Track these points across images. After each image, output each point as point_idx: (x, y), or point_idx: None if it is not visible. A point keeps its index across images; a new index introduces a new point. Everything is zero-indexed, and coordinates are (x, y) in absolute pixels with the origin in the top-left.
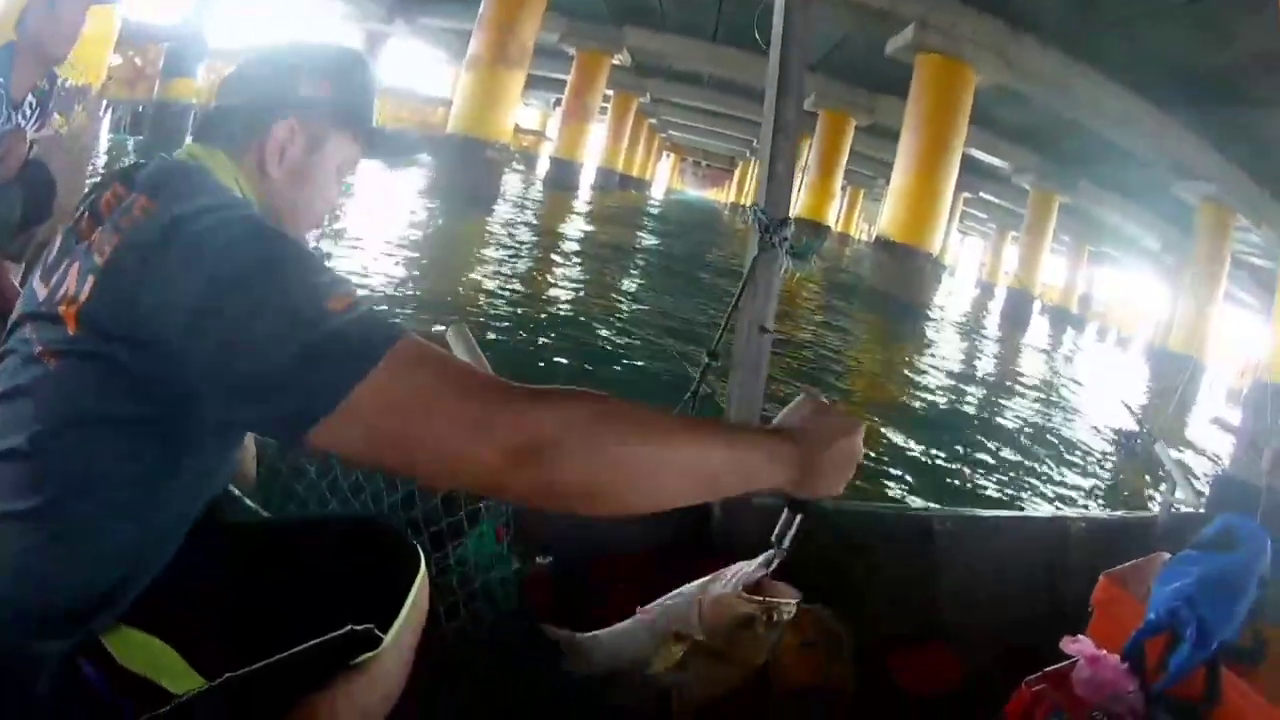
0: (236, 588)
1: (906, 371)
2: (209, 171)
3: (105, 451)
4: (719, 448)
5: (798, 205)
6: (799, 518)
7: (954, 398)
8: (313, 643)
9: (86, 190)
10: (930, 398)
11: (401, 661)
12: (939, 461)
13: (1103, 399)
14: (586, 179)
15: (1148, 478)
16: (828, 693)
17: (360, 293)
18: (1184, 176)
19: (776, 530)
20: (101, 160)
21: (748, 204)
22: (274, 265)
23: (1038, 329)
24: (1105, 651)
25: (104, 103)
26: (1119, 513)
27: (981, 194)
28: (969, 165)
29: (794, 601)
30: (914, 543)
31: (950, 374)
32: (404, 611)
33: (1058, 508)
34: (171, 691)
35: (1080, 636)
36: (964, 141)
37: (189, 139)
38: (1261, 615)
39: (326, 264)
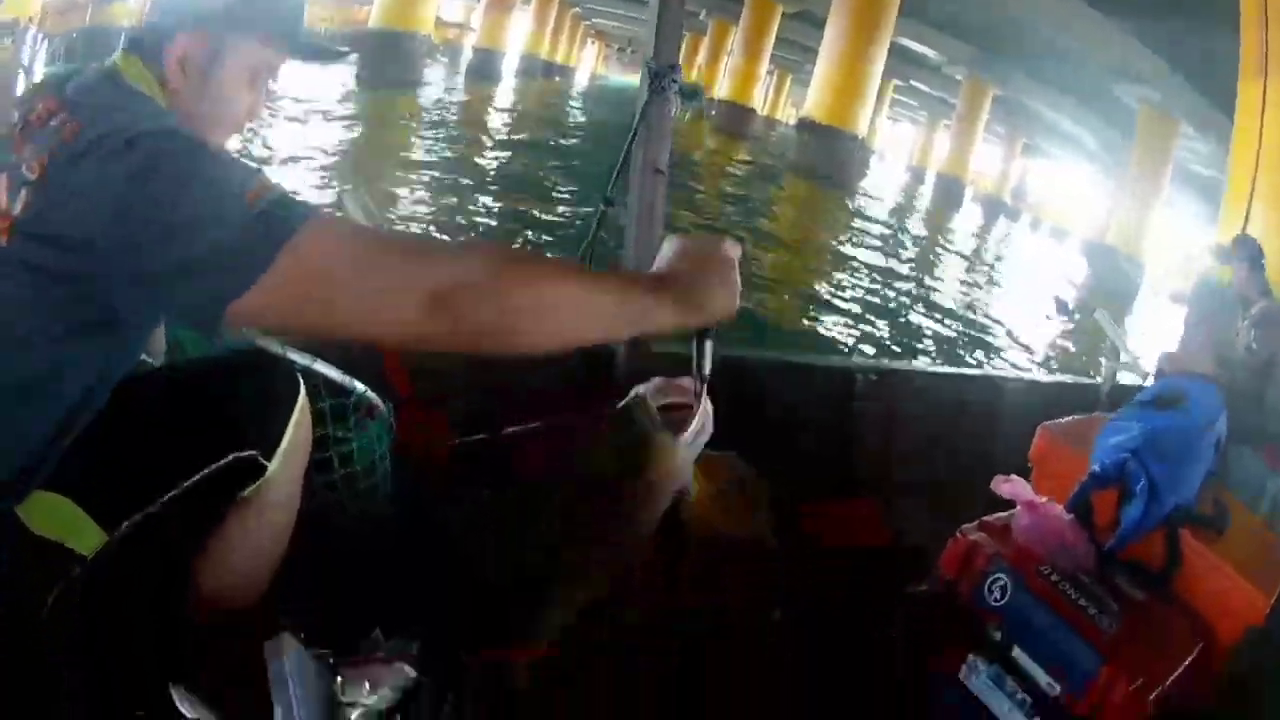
0: (130, 437)
1: (834, 244)
2: (131, 83)
3: (38, 348)
4: (611, 289)
5: (725, 89)
6: (708, 343)
7: (883, 274)
8: (198, 476)
9: (17, 105)
10: (858, 272)
11: (288, 492)
12: (870, 328)
13: (1038, 278)
14: (510, 67)
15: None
16: (746, 542)
17: (274, 180)
18: (1126, 79)
19: (694, 361)
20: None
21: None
22: (192, 164)
23: (969, 214)
24: (1046, 499)
25: (39, 36)
26: (1058, 377)
27: (913, 82)
28: (900, 54)
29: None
30: (838, 395)
31: (878, 247)
32: (287, 435)
33: (993, 369)
34: (78, 552)
35: (1014, 477)
36: (893, 30)
37: (117, 52)
38: (1222, 482)
39: (242, 161)
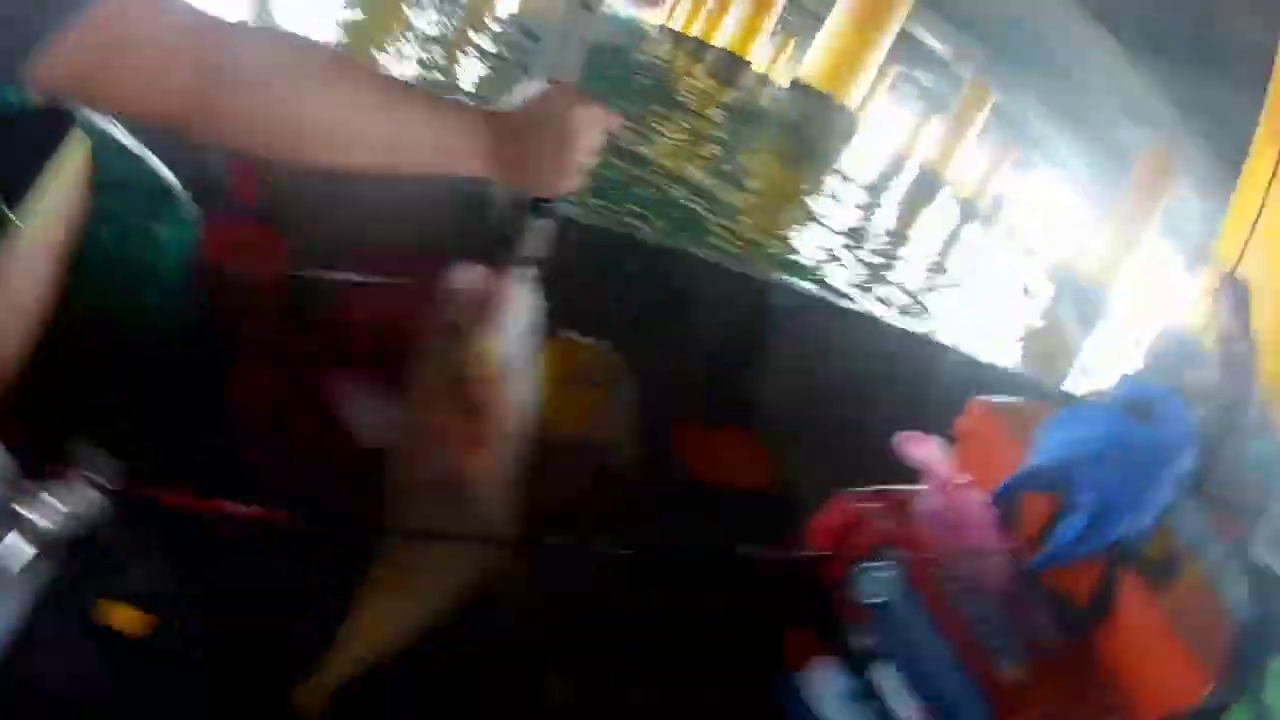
0: None
1: (802, 203)
2: None
3: None
4: (409, 109)
5: (724, 38)
6: (537, 221)
7: (848, 236)
8: None
9: None
10: (817, 234)
11: (32, 265)
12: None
13: (1000, 285)
14: None
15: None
16: (601, 449)
17: None
18: (1134, 121)
19: (508, 236)
20: None
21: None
22: None
23: (942, 211)
24: (966, 479)
25: None
26: (1010, 367)
27: (916, 73)
28: (909, 41)
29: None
30: (744, 307)
31: (841, 221)
32: (40, 192)
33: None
34: None
35: (929, 438)
36: (907, 15)
37: None
38: (1174, 527)
39: None
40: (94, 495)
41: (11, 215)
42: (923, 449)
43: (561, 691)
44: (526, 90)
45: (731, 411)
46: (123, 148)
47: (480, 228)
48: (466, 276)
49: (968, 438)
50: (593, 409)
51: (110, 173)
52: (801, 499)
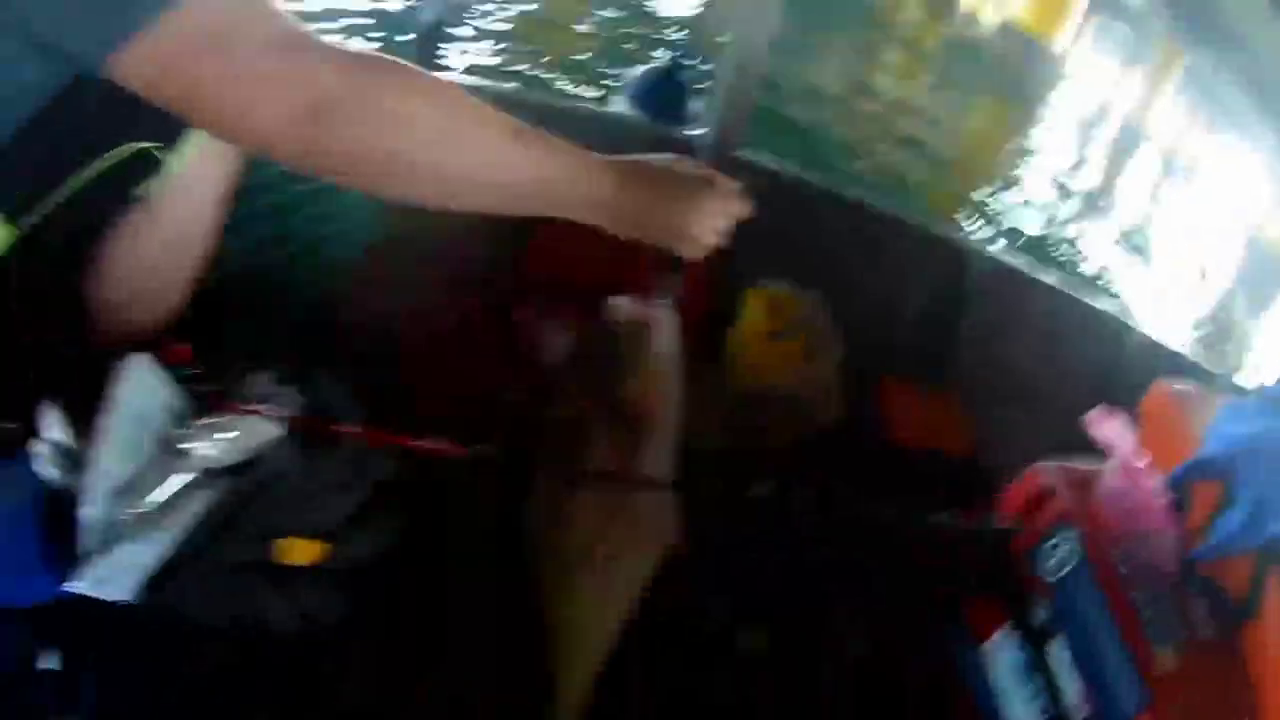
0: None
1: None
2: None
3: None
4: (526, 148)
5: None
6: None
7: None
8: (93, 168)
9: None
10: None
11: (196, 200)
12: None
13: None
14: None
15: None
16: (804, 402)
17: None
18: None
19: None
20: None
21: None
22: None
23: (1144, 167)
24: (1147, 461)
25: None
26: (1188, 350)
27: (1115, 24)
28: None
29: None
30: (947, 271)
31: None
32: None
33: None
34: None
35: (1117, 415)
36: None
37: None
38: None
39: None
40: (271, 428)
41: (166, 155)
42: (1110, 427)
43: (755, 641)
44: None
45: (931, 373)
46: None
47: None
48: (623, 304)
49: (1150, 419)
50: (797, 361)
51: None
52: (994, 467)
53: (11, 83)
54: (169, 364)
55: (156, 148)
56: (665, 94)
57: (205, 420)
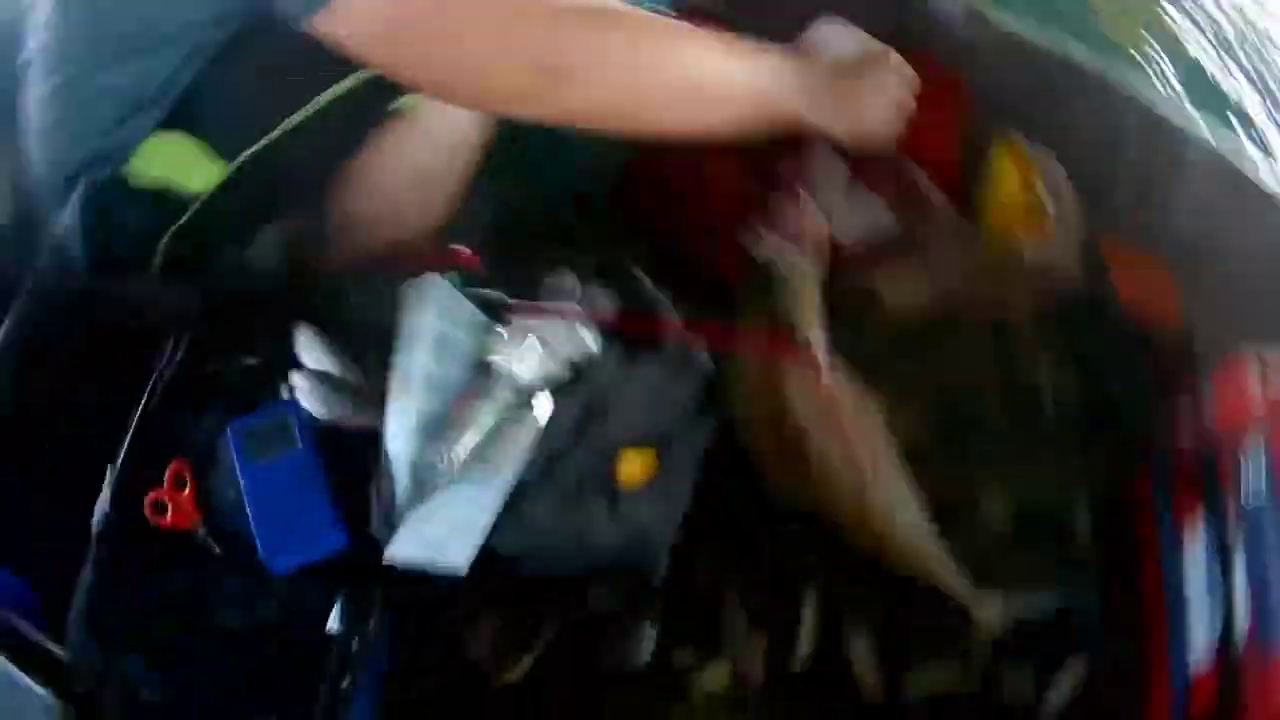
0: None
1: None
2: None
3: None
4: (763, 70)
5: None
6: None
7: None
8: (334, 91)
9: None
10: None
11: (452, 122)
12: None
13: None
14: None
15: None
16: (1047, 268)
17: None
18: None
19: None
20: None
21: None
22: None
23: None
24: None
25: None
26: None
27: None
28: None
29: None
30: (1155, 137)
31: None
32: None
33: None
34: (186, 192)
35: None
36: None
37: None
38: None
39: None
40: (586, 333)
41: None
42: None
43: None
44: (830, 36)
45: (1142, 238)
46: None
47: None
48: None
49: None
50: (1049, 225)
51: None
52: (1203, 348)
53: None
54: (458, 273)
55: None
56: None
57: (512, 331)
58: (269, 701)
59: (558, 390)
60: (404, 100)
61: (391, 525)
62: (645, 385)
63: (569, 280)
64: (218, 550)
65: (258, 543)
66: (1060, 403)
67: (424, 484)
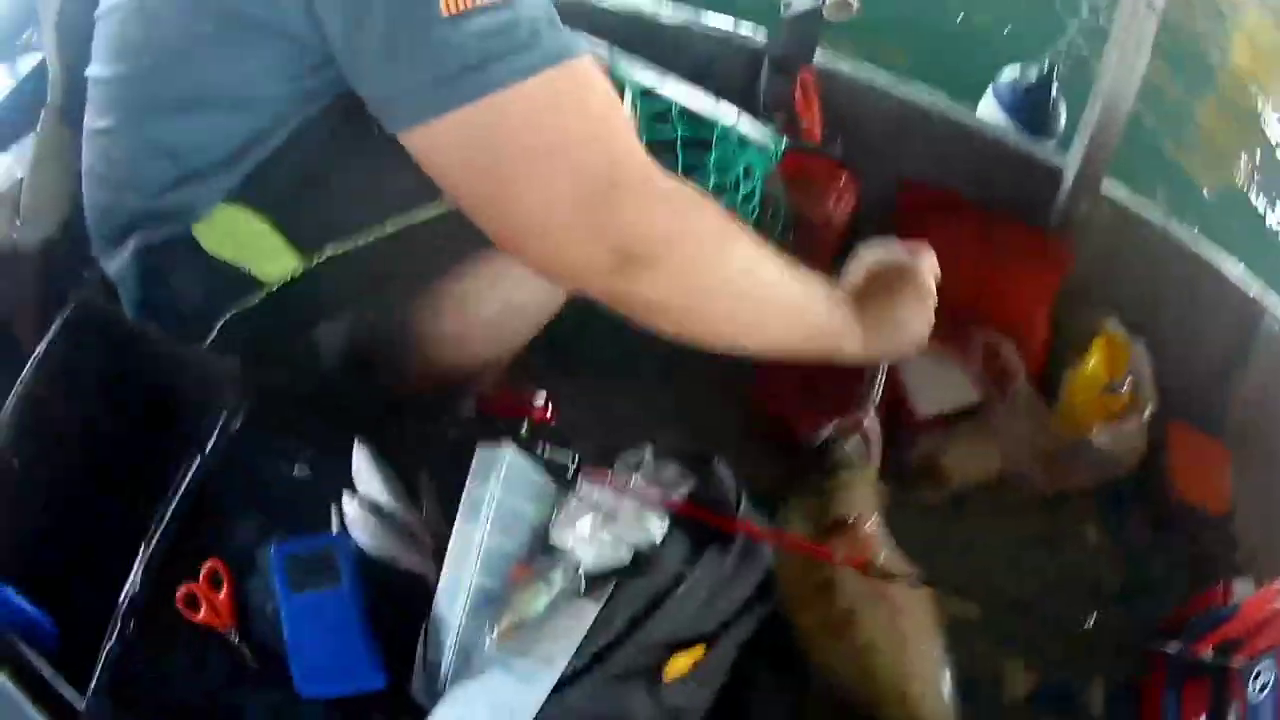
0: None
1: None
2: None
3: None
4: (821, 300)
5: None
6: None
7: None
8: (423, 216)
9: None
10: None
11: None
12: None
13: None
14: None
15: None
16: (1111, 452)
17: None
18: None
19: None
20: None
21: None
22: None
23: None
24: None
25: None
26: None
27: None
28: None
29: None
30: (1243, 319)
31: None
32: None
33: None
34: (260, 279)
35: None
36: None
37: None
38: None
39: None
40: (658, 520)
41: None
42: None
43: None
44: (861, 260)
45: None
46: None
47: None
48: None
49: None
50: (1120, 414)
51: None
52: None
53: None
54: (528, 425)
55: None
56: (1037, 101)
57: (577, 507)
58: None
59: (617, 578)
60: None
61: (433, 694)
62: (708, 582)
63: (646, 456)
64: (251, 661)
65: (292, 669)
66: (1097, 582)
67: (470, 658)
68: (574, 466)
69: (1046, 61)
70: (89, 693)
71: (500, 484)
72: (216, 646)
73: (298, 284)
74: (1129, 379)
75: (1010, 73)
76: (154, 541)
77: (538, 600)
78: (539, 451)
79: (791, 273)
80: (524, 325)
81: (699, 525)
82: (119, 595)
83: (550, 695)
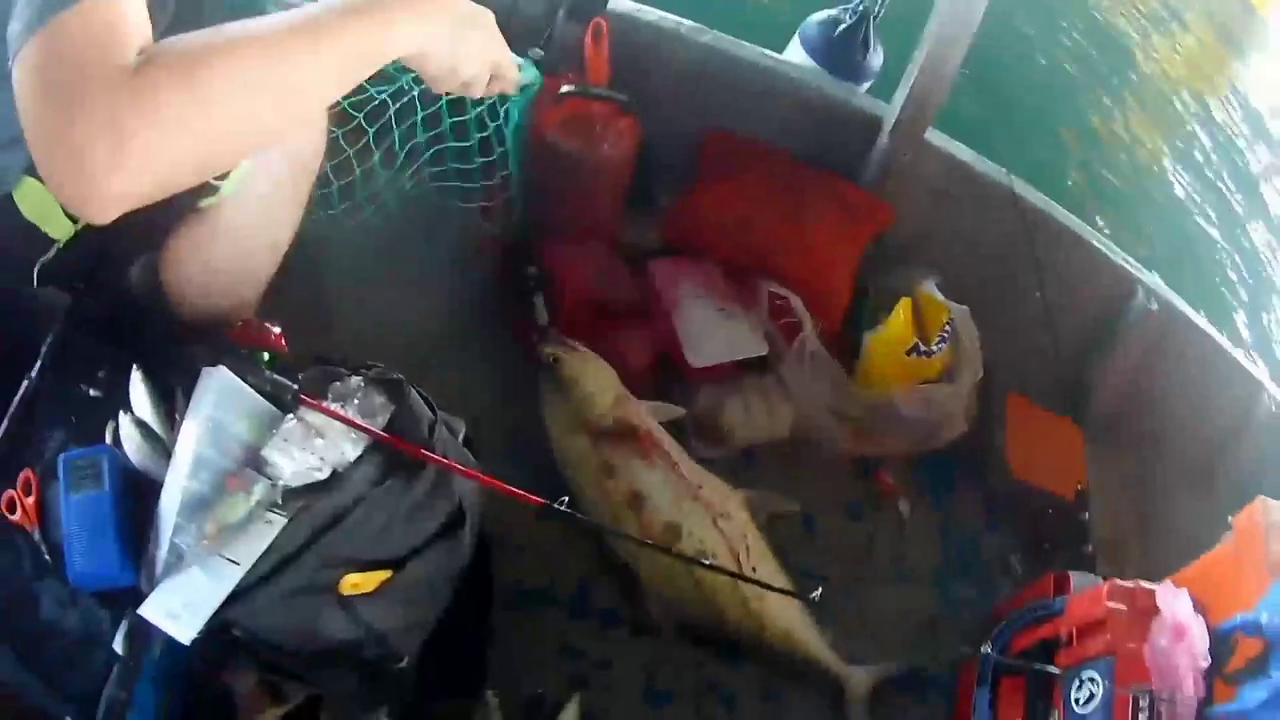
0: None
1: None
2: None
3: None
4: (322, 38)
5: None
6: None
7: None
8: None
9: None
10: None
11: (259, 215)
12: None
13: None
14: None
15: None
16: (925, 421)
17: None
18: None
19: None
20: None
21: None
22: None
23: None
24: (1196, 626)
25: None
26: None
27: None
28: None
29: None
30: (1102, 296)
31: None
32: (245, 161)
33: None
34: (53, 238)
35: (1181, 591)
36: None
37: None
38: None
39: None
40: (353, 446)
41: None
42: (1171, 597)
43: None
44: None
45: (1066, 404)
46: None
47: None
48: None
49: (1244, 537)
50: (930, 381)
51: None
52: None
53: None
54: (258, 347)
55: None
56: (848, 44)
57: (291, 427)
58: (62, 696)
59: (311, 490)
60: (203, 203)
61: (150, 586)
62: (389, 506)
63: (355, 384)
64: (47, 557)
65: (66, 563)
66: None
67: (180, 556)
68: (292, 393)
69: (860, 2)
70: None
71: (213, 403)
72: (26, 543)
73: (73, 242)
74: (944, 342)
75: (820, 15)
76: None
77: (238, 508)
78: (264, 379)
79: (272, 33)
80: (258, 267)
81: (393, 453)
82: None
83: (240, 596)
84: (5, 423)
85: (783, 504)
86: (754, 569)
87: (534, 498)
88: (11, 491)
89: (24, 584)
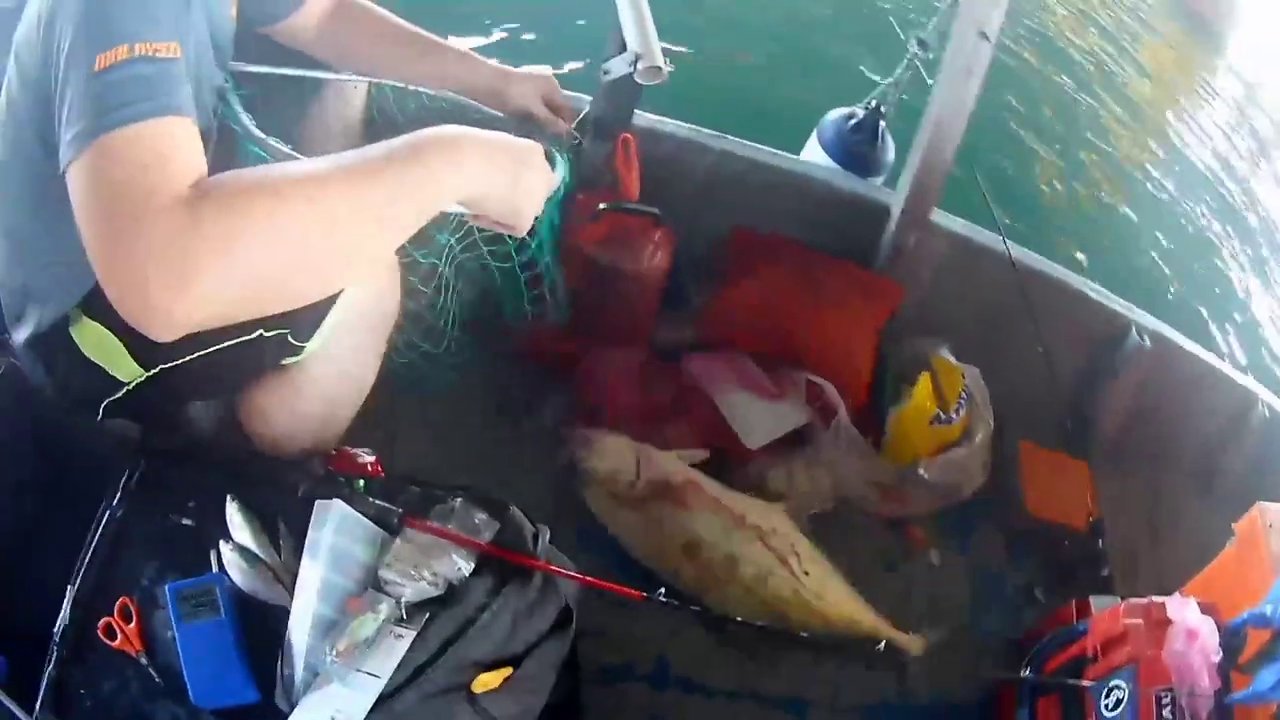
0: None
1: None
2: None
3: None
4: (376, 179)
5: None
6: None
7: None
8: (228, 343)
9: None
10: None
11: (342, 368)
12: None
13: None
14: None
15: None
16: (948, 481)
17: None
18: None
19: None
20: None
21: None
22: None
23: None
24: (1205, 627)
25: None
26: None
27: None
28: None
29: None
30: (1099, 338)
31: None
32: (329, 317)
33: None
34: (120, 380)
35: (1189, 600)
36: None
37: None
38: None
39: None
40: (465, 560)
41: (297, 342)
42: (1183, 610)
43: None
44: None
45: (1073, 444)
46: None
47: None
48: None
49: (1245, 541)
50: (952, 444)
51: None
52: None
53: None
54: (355, 476)
55: (288, 334)
56: (862, 141)
57: (401, 547)
58: None
59: (431, 608)
60: (287, 361)
61: (291, 703)
62: (510, 611)
63: (456, 504)
64: (158, 679)
65: (188, 685)
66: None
67: (317, 674)
68: (398, 517)
69: (872, 101)
70: (35, 710)
71: (333, 532)
72: (132, 668)
73: (144, 385)
74: (962, 407)
75: (835, 114)
76: (78, 582)
77: (366, 626)
78: (369, 504)
79: (331, 173)
80: (344, 412)
81: (503, 564)
82: (53, 628)
83: (380, 704)
84: (91, 549)
85: (817, 503)
86: (806, 572)
87: (632, 591)
88: (109, 618)
89: (134, 705)
